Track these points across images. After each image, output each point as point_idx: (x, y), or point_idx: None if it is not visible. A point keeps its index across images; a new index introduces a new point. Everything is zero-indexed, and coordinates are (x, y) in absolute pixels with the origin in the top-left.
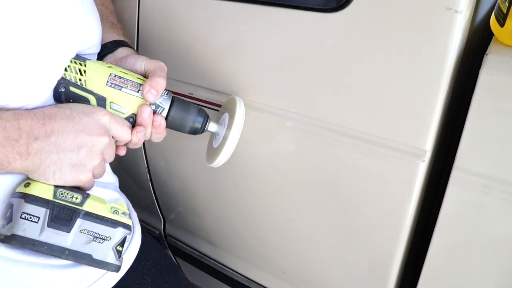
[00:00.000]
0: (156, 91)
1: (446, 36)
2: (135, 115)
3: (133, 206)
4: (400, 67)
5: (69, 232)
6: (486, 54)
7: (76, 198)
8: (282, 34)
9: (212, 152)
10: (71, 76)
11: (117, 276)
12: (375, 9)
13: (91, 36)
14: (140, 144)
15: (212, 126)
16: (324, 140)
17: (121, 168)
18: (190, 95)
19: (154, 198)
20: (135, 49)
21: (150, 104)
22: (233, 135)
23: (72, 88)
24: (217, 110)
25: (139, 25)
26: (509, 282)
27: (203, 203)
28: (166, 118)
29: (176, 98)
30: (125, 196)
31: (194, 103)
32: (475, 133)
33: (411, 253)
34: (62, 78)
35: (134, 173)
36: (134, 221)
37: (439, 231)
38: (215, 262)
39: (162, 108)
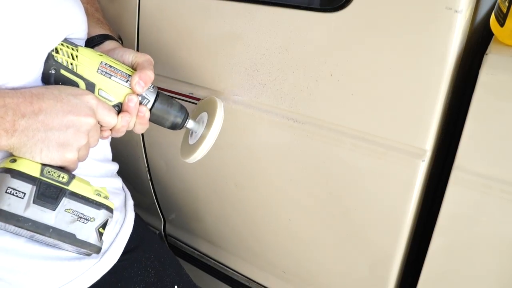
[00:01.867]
0: (144, 83)
1: (446, 36)
2: (121, 104)
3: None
4: (400, 67)
5: (54, 210)
6: (486, 54)
7: (63, 177)
8: (282, 34)
9: (188, 148)
10: (63, 59)
11: (113, 258)
12: (375, 9)
13: (75, 19)
14: (123, 132)
15: (190, 123)
16: (324, 140)
17: (121, 168)
18: (190, 95)
19: (154, 198)
20: (136, 49)
21: (137, 95)
22: (212, 134)
23: (62, 71)
24: None
25: (139, 25)
26: (509, 282)
27: (203, 203)
28: (150, 110)
29: (161, 93)
30: (123, 183)
31: (177, 100)
32: (475, 133)
33: (411, 253)
34: (54, 60)
35: (134, 173)
36: (128, 208)
37: (439, 231)
38: (215, 262)
39: (147, 100)
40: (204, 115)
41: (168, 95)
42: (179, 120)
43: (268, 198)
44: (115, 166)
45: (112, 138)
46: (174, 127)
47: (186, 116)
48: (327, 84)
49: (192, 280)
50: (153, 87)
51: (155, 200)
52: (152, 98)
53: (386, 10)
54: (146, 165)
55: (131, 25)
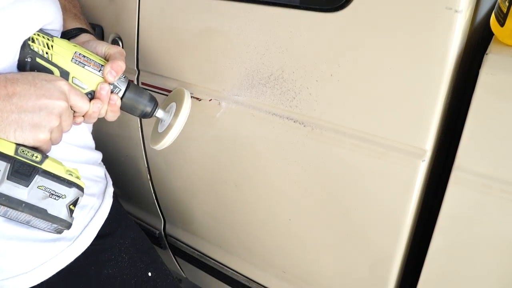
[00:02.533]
0: (116, 72)
1: (446, 36)
2: (94, 92)
3: (133, 206)
4: (400, 66)
5: (27, 187)
6: (486, 54)
7: (36, 157)
8: (282, 34)
9: (157, 136)
10: (39, 48)
11: (86, 241)
12: (375, 9)
13: (48, 11)
14: (95, 118)
15: (159, 113)
16: (324, 140)
17: (121, 168)
18: (190, 94)
19: (154, 198)
20: (136, 49)
21: (109, 84)
22: (178, 123)
23: (38, 59)
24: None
25: (139, 25)
26: (509, 282)
27: (203, 203)
28: (121, 99)
29: (132, 83)
30: (106, 171)
31: (148, 90)
32: (475, 132)
33: (411, 253)
34: (30, 49)
35: (134, 173)
36: (107, 195)
37: (439, 231)
38: (215, 262)
39: (119, 89)
40: (173, 105)
41: (139, 86)
42: (148, 109)
43: (268, 198)
44: (98, 155)
45: (112, 138)
46: (144, 115)
47: (156, 106)
48: (327, 84)
49: (168, 270)
50: (124, 77)
51: (155, 200)
52: (123, 87)
53: (386, 10)
54: (146, 165)
55: (131, 25)
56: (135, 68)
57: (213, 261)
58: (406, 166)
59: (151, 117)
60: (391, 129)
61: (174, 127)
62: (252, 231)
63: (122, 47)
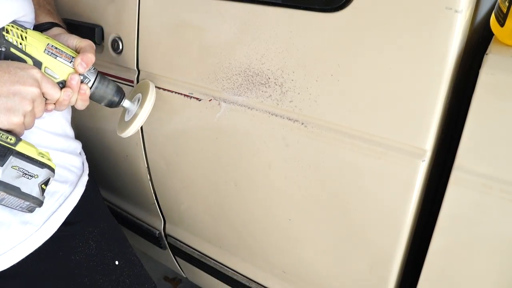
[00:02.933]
0: (86, 64)
1: (446, 36)
2: (65, 81)
3: (133, 206)
4: (400, 66)
5: (1, 166)
6: (486, 54)
7: (11, 139)
8: (282, 34)
9: (123, 124)
10: (13, 39)
11: (54, 226)
12: (375, 9)
13: (20, 5)
14: (66, 105)
15: (126, 103)
16: (324, 140)
17: (121, 167)
18: (190, 94)
19: (154, 198)
20: (135, 49)
21: (79, 74)
22: (143, 112)
23: (12, 49)
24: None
25: (139, 25)
26: (509, 282)
27: (203, 203)
28: (90, 89)
29: (100, 75)
30: (85, 161)
31: (115, 81)
32: (475, 133)
33: (411, 253)
34: (4, 39)
35: (134, 173)
36: (80, 183)
37: (439, 231)
38: (215, 262)
39: (88, 80)
40: (139, 96)
41: (108, 77)
42: (116, 99)
43: (268, 198)
44: (76, 144)
45: (112, 138)
46: (111, 104)
47: (122, 96)
48: (327, 84)
49: (138, 260)
50: (94, 69)
51: (155, 200)
52: (92, 78)
53: (386, 10)
54: (146, 165)
55: (131, 25)
56: (135, 68)
57: (213, 261)
58: (406, 166)
59: (117, 106)
60: (391, 129)
61: (139, 116)
62: (252, 231)
63: (122, 47)
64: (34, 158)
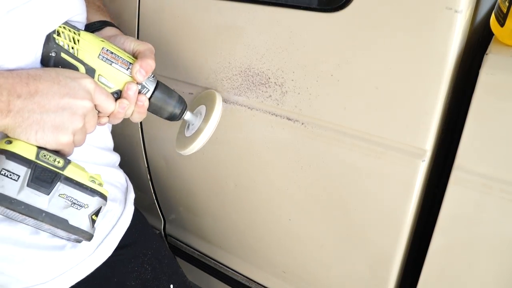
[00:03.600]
0: (146, 72)
1: (446, 36)
2: (120, 91)
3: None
4: (400, 67)
5: (48, 194)
6: (486, 54)
7: (58, 162)
8: (282, 34)
9: (184, 140)
10: (64, 42)
11: (108, 251)
12: (375, 9)
13: (73, 2)
14: (121, 118)
15: (188, 115)
16: (324, 140)
17: (121, 167)
18: (190, 94)
19: (154, 198)
20: None
21: (137, 84)
22: (209, 128)
23: (63, 55)
24: None
25: (139, 25)
26: (509, 282)
27: (203, 203)
28: (149, 100)
29: (160, 83)
30: (125, 175)
31: (176, 91)
32: (475, 133)
33: (411, 253)
34: (55, 43)
35: (134, 173)
36: (128, 202)
37: (439, 231)
38: (215, 262)
39: (147, 89)
40: (202, 108)
41: (168, 86)
42: (177, 111)
43: (268, 198)
44: (117, 157)
45: (113, 135)
46: (172, 118)
47: (185, 108)
48: (327, 84)
49: (189, 281)
50: (153, 77)
51: (155, 200)
52: (151, 87)
53: (386, 10)
54: (146, 165)
55: (131, 25)
56: None
57: (213, 261)
58: (406, 166)
59: (179, 119)
60: (391, 129)
61: (204, 131)
62: (252, 231)
63: None
64: (84, 185)
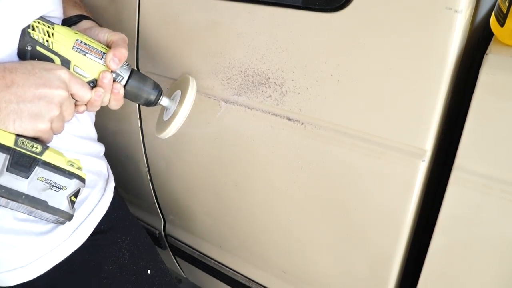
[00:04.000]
0: (119, 60)
1: (446, 36)
2: (96, 80)
3: (133, 206)
4: (400, 66)
5: (27, 178)
6: (486, 54)
7: (36, 148)
8: (282, 34)
9: (162, 124)
10: (39, 36)
11: (84, 235)
12: (375, 9)
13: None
14: (98, 106)
15: (164, 101)
16: (324, 140)
17: (121, 168)
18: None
19: (154, 198)
20: (135, 49)
21: (111, 72)
22: (183, 110)
23: (38, 48)
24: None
25: (139, 25)
26: (509, 282)
27: (203, 203)
28: (124, 87)
29: (135, 71)
30: (108, 165)
31: (152, 78)
32: (475, 133)
33: (411, 253)
34: (30, 37)
35: (134, 173)
36: (108, 189)
37: (439, 231)
38: (215, 262)
39: (121, 77)
40: (178, 93)
41: (142, 73)
42: (152, 97)
43: (268, 198)
44: (100, 147)
45: (112, 137)
46: (148, 103)
47: (160, 94)
48: (327, 84)
49: (167, 268)
50: (127, 65)
51: (155, 200)
52: (126, 75)
53: (386, 10)
54: (146, 165)
55: (131, 25)
56: (136, 68)
57: (213, 261)
58: (406, 166)
59: (155, 105)
60: (391, 129)
61: (179, 114)
62: (252, 231)
63: None
64: (62, 168)
